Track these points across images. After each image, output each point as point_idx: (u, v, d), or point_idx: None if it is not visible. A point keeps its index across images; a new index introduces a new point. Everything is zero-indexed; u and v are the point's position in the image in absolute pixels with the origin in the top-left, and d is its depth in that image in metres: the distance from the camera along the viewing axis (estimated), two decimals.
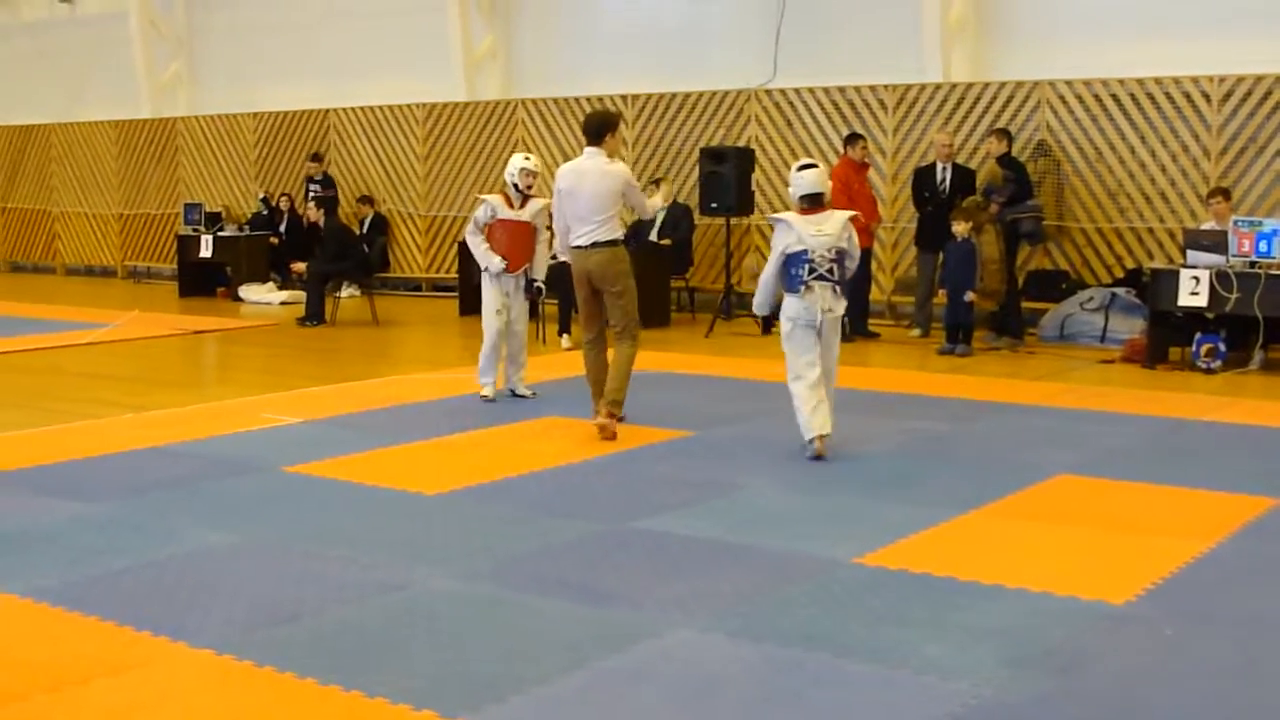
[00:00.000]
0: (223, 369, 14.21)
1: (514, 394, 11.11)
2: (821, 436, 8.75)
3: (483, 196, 11.29)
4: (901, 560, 6.56)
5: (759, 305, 9.21)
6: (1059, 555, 6.72)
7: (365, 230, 19.76)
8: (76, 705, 4.87)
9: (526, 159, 11.19)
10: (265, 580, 6.29)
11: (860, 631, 5.58)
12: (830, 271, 8.74)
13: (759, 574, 6.38)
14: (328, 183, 20.65)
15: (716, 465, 8.66)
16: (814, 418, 8.75)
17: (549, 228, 10.60)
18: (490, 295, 11.02)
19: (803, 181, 8.88)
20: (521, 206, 11.04)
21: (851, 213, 9.08)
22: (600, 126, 9.65)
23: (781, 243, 8.82)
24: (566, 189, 9.57)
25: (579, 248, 9.56)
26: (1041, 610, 5.85)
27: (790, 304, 8.84)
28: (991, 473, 8.28)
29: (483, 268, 11.02)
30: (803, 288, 8.71)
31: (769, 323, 14.88)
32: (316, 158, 20.86)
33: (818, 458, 8.69)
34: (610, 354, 9.72)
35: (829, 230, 8.74)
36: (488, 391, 11.01)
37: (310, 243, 18.57)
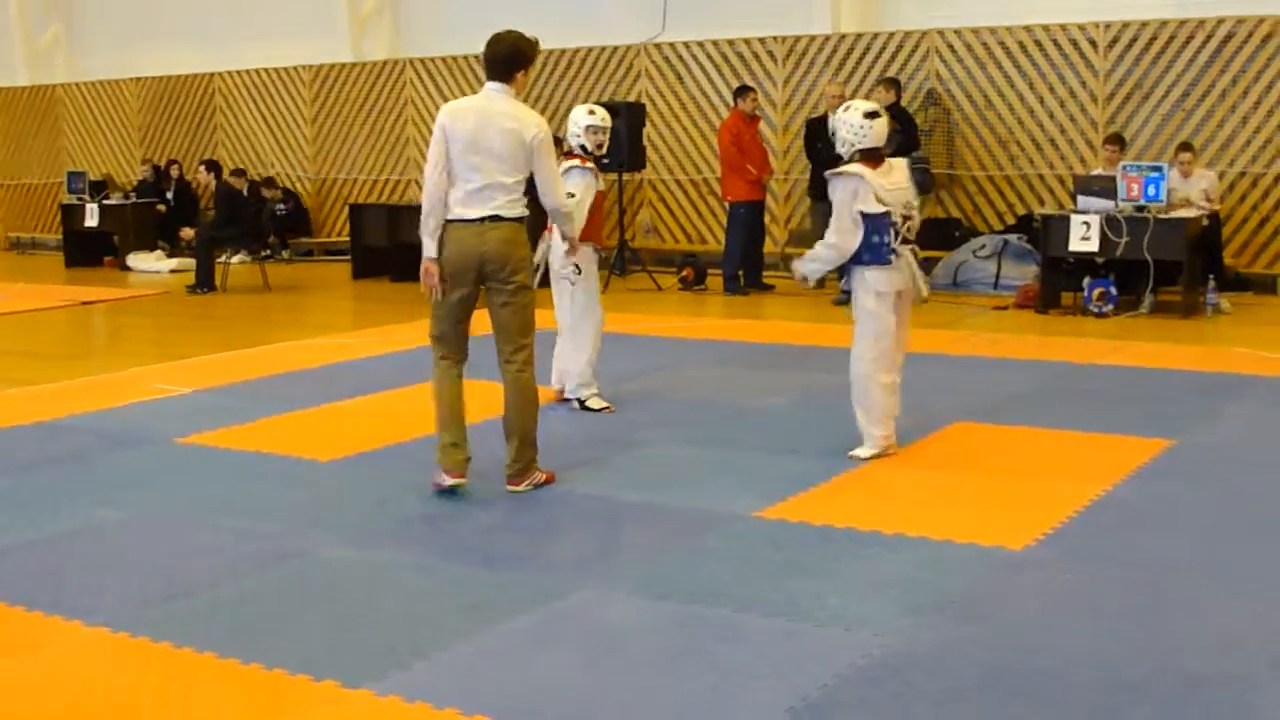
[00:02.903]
0: (112, 340, 13.95)
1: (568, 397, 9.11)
2: (886, 436, 7.63)
3: (580, 163, 8.87)
4: (802, 513, 6.57)
5: (814, 272, 7.70)
6: (958, 503, 6.76)
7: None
8: None
9: (591, 112, 9.03)
10: (159, 554, 6.18)
11: (762, 585, 5.57)
12: (909, 231, 7.48)
13: (660, 531, 6.36)
14: (289, 195, 20.29)
15: (616, 423, 8.61)
16: (884, 427, 7.61)
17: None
18: (596, 281, 9.08)
19: (870, 132, 7.38)
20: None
21: (906, 159, 7.82)
22: (511, 57, 6.92)
23: (854, 201, 7.36)
24: (463, 135, 6.80)
25: (469, 221, 6.84)
26: (942, 558, 5.88)
27: (878, 278, 7.44)
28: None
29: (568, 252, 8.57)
30: (893, 256, 7.41)
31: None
32: (239, 173, 20.10)
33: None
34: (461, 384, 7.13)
35: (899, 182, 7.45)
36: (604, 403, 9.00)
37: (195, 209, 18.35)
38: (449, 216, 6.86)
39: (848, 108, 7.56)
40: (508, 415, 7.07)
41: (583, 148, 8.93)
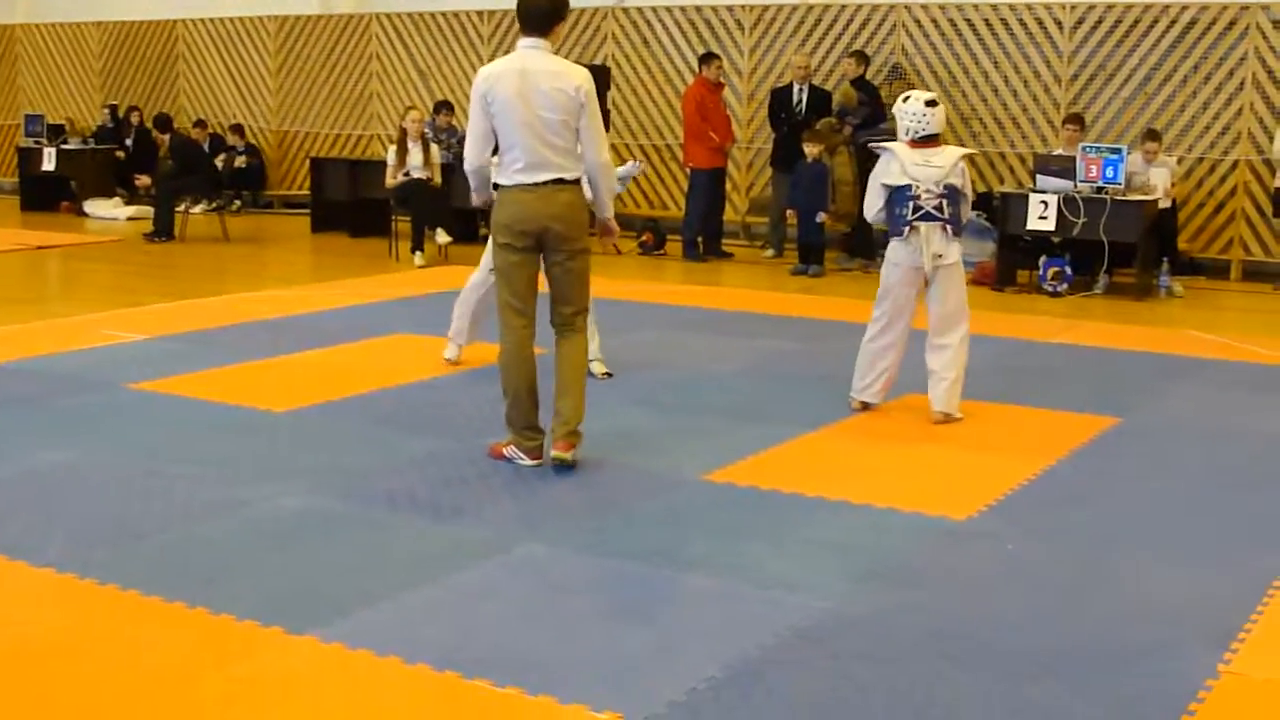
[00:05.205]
0: (66, 285, 13.87)
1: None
2: (864, 403, 8.03)
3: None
4: (749, 477, 6.63)
5: (872, 215, 7.95)
6: (904, 473, 6.83)
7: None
8: None
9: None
10: (108, 499, 6.18)
11: (706, 546, 5.63)
12: (939, 209, 7.67)
13: (607, 490, 6.41)
14: (251, 150, 20.17)
15: None
16: (861, 379, 8.01)
17: None
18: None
19: (930, 121, 7.72)
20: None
21: (967, 150, 8.10)
22: (554, 9, 6.57)
23: (882, 175, 7.80)
24: (506, 97, 6.44)
25: (529, 186, 6.51)
26: (885, 526, 5.95)
27: (893, 249, 7.78)
28: (840, 392, 8.30)
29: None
30: (907, 229, 7.69)
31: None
32: (200, 124, 20.12)
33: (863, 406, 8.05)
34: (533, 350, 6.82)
35: (939, 163, 7.70)
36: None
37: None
38: (504, 181, 6.55)
39: (907, 98, 7.87)
40: (564, 373, 6.74)
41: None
